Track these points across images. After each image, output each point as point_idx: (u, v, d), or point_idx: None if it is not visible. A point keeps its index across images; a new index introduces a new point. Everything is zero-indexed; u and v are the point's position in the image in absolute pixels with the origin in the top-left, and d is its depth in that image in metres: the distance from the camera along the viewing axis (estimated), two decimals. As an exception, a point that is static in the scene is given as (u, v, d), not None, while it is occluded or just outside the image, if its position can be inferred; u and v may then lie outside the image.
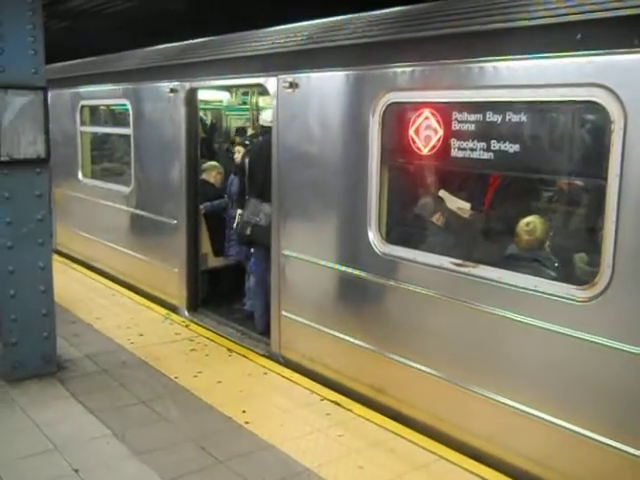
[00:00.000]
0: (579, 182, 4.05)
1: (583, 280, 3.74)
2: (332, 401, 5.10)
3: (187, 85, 6.88)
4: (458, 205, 5.00)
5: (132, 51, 8.42)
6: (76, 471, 3.99)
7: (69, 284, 8.41)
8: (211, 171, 7.63)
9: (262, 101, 9.11)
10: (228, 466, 4.11)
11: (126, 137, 8.25)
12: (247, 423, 4.68)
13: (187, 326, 6.92)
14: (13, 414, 4.77)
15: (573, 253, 4.04)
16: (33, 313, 5.34)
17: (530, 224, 4.20)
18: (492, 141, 4.10)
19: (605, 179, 3.52)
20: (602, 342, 3.57)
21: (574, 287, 3.71)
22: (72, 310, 7.29)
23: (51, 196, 5.43)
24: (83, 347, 6.16)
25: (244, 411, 4.86)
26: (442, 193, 5.01)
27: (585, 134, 3.88)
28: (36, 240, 5.29)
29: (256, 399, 5.12)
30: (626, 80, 3.41)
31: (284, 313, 5.86)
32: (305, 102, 5.44)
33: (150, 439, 4.43)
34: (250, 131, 6.74)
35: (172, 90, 7.09)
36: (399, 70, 4.63)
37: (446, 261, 4.45)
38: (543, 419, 3.87)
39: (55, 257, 9.99)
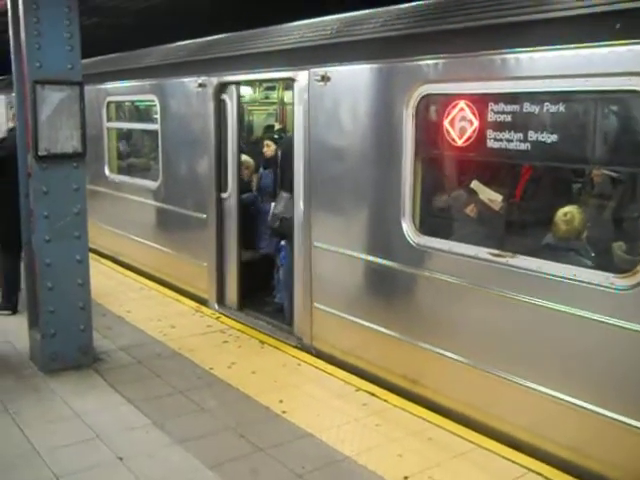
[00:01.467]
0: (617, 171, 4.04)
1: (623, 268, 3.75)
2: (367, 392, 5.13)
3: (215, 80, 6.93)
4: (490, 197, 5.02)
5: (159, 47, 8.48)
6: (120, 459, 4.06)
7: (98, 278, 8.45)
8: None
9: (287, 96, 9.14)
10: (269, 453, 4.17)
11: (154, 132, 8.32)
12: (284, 412, 4.73)
13: (218, 318, 6.99)
14: (54, 404, 4.85)
15: (612, 242, 4.04)
16: (70, 306, 5.42)
17: (568, 214, 4.21)
18: (529, 132, 4.11)
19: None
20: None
21: (613, 275, 3.72)
22: (103, 303, 7.38)
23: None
24: (116, 339, 6.24)
25: (281, 401, 4.92)
26: (474, 184, 5.03)
27: (622, 124, 3.88)
28: (73, 234, 5.37)
29: (291, 389, 5.17)
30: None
31: (316, 305, 5.91)
32: (337, 95, 5.47)
33: (190, 428, 4.50)
34: (277, 125, 6.78)
35: (200, 85, 7.15)
36: (432, 62, 4.65)
37: (483, 251, 4.46)
38: (582, 407, 3.88)
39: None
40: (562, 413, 4.02)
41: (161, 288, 8.13)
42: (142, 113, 9.28)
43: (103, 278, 8.60)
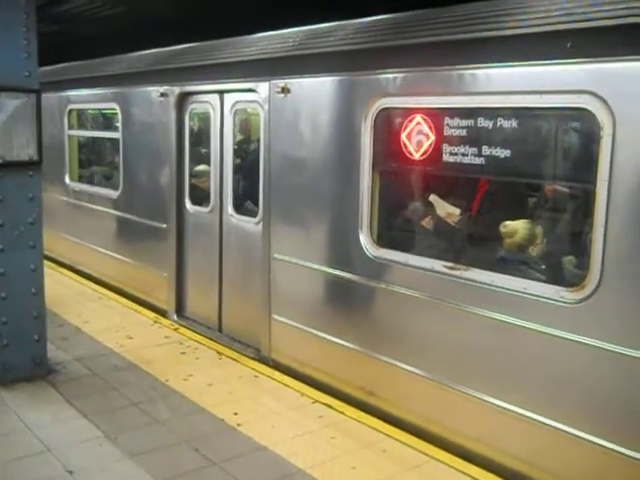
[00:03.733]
0: (568, 187, 4.13)
1: (573, 282, 3.82)
2: (324, 404, 5.13)
3: (177, 89, 6.91)
4: (448, 211, 5.07)
5: (122, 55, 8.43)
6: (70, 472, 3.99)
7: (56, 288, 8.36)
8: (201, 176, 7.64)
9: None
10: (222, 467, 4.13)
11: (115, 141, 8.25)
12: (239, 425, 4.71)
13: (176, 330, 6.93)
14: (5, 416, 4.75)
15: (562, 256, 4.12)
16: (24, 316, 5.33)
17: (508, 226, 4.32)
18: (483, 146, 4.18)
19: (594, 184, 3.61)
20: (592, 343, 3.64)
21: (563, 289, 3.79)
22: (60, 313, 7.27)
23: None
24: (72, 350, 6.14)
25: (236, 413, 4.89)
26: (433, 198, 5.08)
27: (574, 140, 3.97)
28: (27, 243, 5.29)
29: (247, 401, 5.15)
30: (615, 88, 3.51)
31: (274, 316, 5.90)
32: (297, 107, 5.50)
33: (143, 441, 4.44)
34: (239, 136, 6.78)
35: (162, 94, 7.12)
36: (390, 76, 4.70)
37: (438, 264, 4.51)
38: (532, 419, 3.94)
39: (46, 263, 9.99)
40: (513, 425, 4.07)
41: (121, 298, 8.03)
42: (104, 121, 9.19)
43: (61, 287, 8.48)
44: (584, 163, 3.83)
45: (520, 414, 4.00)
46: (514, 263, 4.30)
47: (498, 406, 4.12)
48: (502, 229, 4.35)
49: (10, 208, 5.16)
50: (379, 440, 4.57)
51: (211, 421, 4.78)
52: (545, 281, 3.99)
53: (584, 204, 3.82)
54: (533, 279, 4.02)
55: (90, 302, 7.87)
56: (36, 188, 5.30)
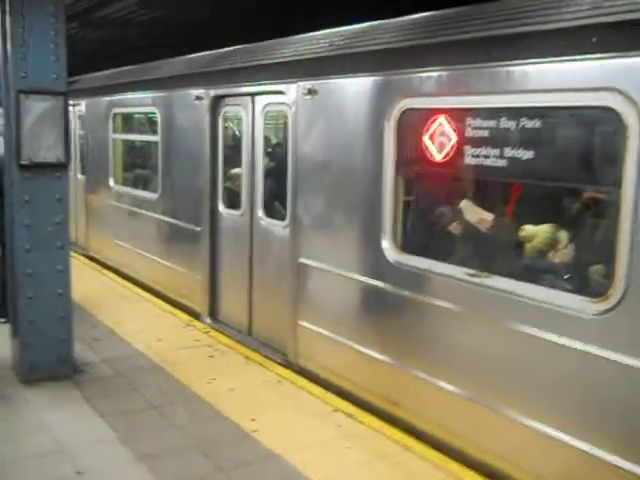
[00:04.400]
0: (594, 190, 3.89)
1: (598, 292, 3.59)
2: (345, 412, 5.01)
3: (211, 92, 6.91)
4: (481, 216, 4.88)
5: (160, 61, 8.53)
6: (78, 473, 3.99)
7: (97, 289, 8.52)
8: (235, 179, 7.63)
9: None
10: (229, 475, 4.06)
11: (155, 144, 8.34)
12: (254, 431, 4.63)
13: (207, 333, 6.92)
14: (25, 414, 4.81)
15: (588, 264, 3.88)
16: (50, 316, 5.39)
17: (526, 230, 4.11)
18: (506, 148, 3.99)
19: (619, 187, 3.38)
20: (614, 358, 3.41)
21: (586, 299, 3.56)
22: (96, 315, 7.37)
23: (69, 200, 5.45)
24: (101, 351, 6.20)
25: (253, 419, 4.81)
26: (465, 203, 4.89)
27: (600, 140, 3.74)
28: (55, 243, 5.35)
29: (267, 408, 5.06)
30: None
31: (300, 322, 5.80)
32: (323, 108, 5.40)
33: (155, 444, 4.41)
34: (274, 140, 6.73)
35: (197, 97, 7.14)
36: (413, 76, 4.55)
37: (460, 271, 4.33)
38: (554, 436, 3.71)
39: (87, 263, 10.20)
40: (533, 441, 3.85)
41: (158, 301, 8.09)
42: (145, 125, 9.31)
43: (102, 289, 8.61)
44: (609, 167, 3.60)
45: (542, 431, 3.78)
46: (536, 271, 4.08)
47: (517, 421, 3.91)
48: (521, 233, 4.14)
49: (37, 209, 5.23)
50: (395, 452, 4.41)
51: (227, 427, 4.72)
52: (568, 290, 3.76)
53: (610, 209, 3.58)
54: (554, 287, 3.80)
55: (127, 304, 7.95)
56: (63, 189, 5.36)
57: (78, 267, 9.80)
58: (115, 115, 9.52)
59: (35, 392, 5.18)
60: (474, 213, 4.91)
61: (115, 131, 9.61)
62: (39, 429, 4.57)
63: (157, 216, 8.38)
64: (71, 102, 11.02)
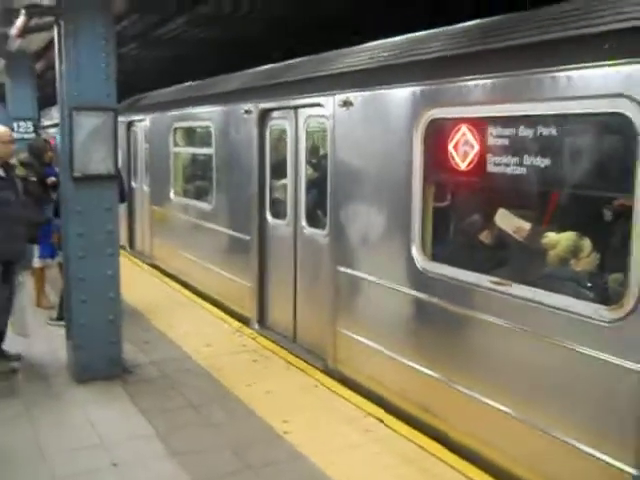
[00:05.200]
0: (611, 197, 3.87)
1: (612, 300, 3.58)
2: (376, 418, 5.09)
3: (259, 106, 7.17)
4: (518, 225, 4.89)
5: (215, 77, 8.88)
6: (114, 465, 4.25)
7: (154, 296, 8.90)
8: (282, 190, 7.84)
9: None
10: (257, 473, 4.23)
11: (209, 157, 8.68)
12: (286, 433, 4.78)
13: (255, 339, 7.13)
14: (73, 410, 5.14)
15: (606, 272, 3.86)
16: (101, 319, 5.72)
17: (548, 237, 4.10)
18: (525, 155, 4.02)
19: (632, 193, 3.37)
20: (628, 366, 3.39)
21: (602, 307, 3.55)
22: (150, 319, 7.72)
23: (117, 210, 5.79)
24: (151, 353, 6.51)
25: (285, 421, 4.97)
26: (501, 212, 4.91)
27: (613, 147, 3.73)
28: (105, 250, 5.69)
29: (300, 411, 5.20)
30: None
31: (339, 329, 5.93)
32: (357, 120, 5.54)
33: (190, 442, 4.63)
34: (311, 151, 6.92)
35: (247, 111, 7.41)
36: (438, 87, 4.64)
37: (484, 279, 4.37)
38: (571, 444, 3.70)
39: (149, 270, 10.64)
40: (549, 448, 3.85)
41: (212, 307, 8.37)
42: (202, 139, 9.67)
43: (158, 295, 8.99)
44: (627, 175, 3.58)
45: (560, 439, 3.77)
46: (561, 279, 4.08)
47: (536, 427, 3.91)
48: (543, 240, 4.14)
49: (89, 218, 5.58)
50: (422, 458, 4.47)
51: (259, 427, 4.89)
52: (585, 298, 3.75)
53: (625, 215, 3.56)
54: (573, 295, 3.79)
55: (181, 310, 8.28)
56: (112, 199, 5.69)
57: (140, 275, 10.29)
58: (175, 130, 9.94)
59: (85, 390, 5.51)
60: (510, 222, 4.93)
61: (175, 145, 10.03)
62: (84, 424, 4.88)
63: (211, 226, 8.69)
64: (137, 118, 11.60)
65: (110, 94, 5.55)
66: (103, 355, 5.75)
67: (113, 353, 5.81)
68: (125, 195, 8.18)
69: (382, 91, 5.26)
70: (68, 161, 5.48)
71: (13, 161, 6.71)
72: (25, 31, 6.19)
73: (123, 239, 12.52)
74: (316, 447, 4.58)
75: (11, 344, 6.14)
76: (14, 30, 6.39)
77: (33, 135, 9.86)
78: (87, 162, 5.50)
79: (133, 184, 12.14)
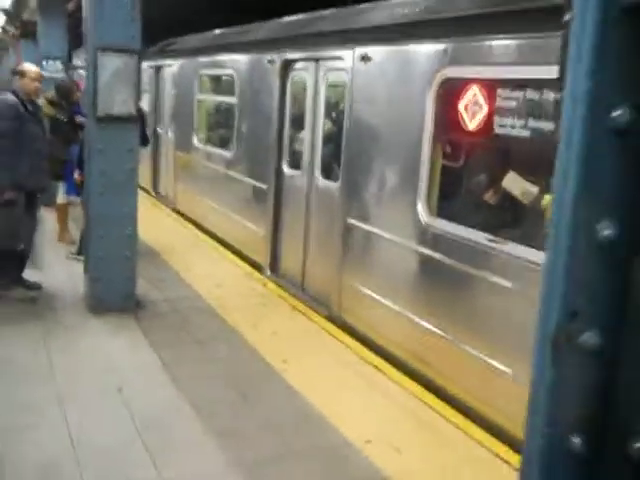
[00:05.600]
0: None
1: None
2: (372, 364, 5.31)
3: (282, 56, 7.26)
4: (525, 188, 4.99)
5: (241, 26, 8.95)
6: (119, 390, 4.54)
7: (173, 239, 9.16)
8: (298, 141, 7.97)
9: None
10: (252, 405, 4.49)
11: (231, 105, 8.81)
12: (283, 371, 5.04)
13: (265, 284, 7.37)
14: (86, 338, 5.45)
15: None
16: (117, 254, 5.97)
17: (545, 199, 4.22)
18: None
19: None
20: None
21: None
22: (167, 260, 8.00)
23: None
24: (165, 291, 6.79)
25: (284, 360, 5.22)
26: (511, 176, 5.00)
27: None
28: (125, 189, 5.91)
29: (299, 352, 5.45)
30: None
31: (345, 279, 6.13)
32: (374, 75, 5.63)
33: (192, 372, 4.91)
34: (329, 103, 7.02)
35: (270, 61, 7.51)
36: (453, 45, 4.71)
37: (481, 236, 4.52)
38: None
39: (171, 214, 10.91)
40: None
41: (228, 252, 8.62)
42: (226, 87, 9.79)
43: (177, 238, 9.25)
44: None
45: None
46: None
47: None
48: (543, 202, 4.26)
49: (110, 157, 5.79)
50: (413, 404, 4.68)
51: (259, 364, 5.16)
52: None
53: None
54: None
55: (198, 252, 8.54)
56: (133, 141, 5.89)
57: (161, 217, 10.56)
58: (201, 76, 10.07)
59: (99, 321, 5.81)
60: (518, 185, 5.04)
61: (200, 92, 10.17)
62: (94, 351, 5.18)
63: (231, 173, 8.89)
64: (166, 63, 11.72)
65: (134, 36, 5.70)
66: (118, 289, 6.02)
67: (127, 288, 6.08)
68: (147, 138, 8.36)
69: (399, 47, 5.34)
70: (92, 101, 5.67)
71: (40, 100, 6.93)
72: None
73: (147, 183, 12.80)
74: (310, 386, 4.83)
75: (32, 274, 6.45)
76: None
77: (62, 74, 10.04)
78: (110, 103, 5.68)
79: (159, 129, 12.33)
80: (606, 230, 0.94)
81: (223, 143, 9.50)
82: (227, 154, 9.00)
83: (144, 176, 12.93)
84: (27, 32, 11.84)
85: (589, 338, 1.03)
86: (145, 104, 12.75)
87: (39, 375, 4.70)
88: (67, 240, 8.20)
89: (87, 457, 3.74)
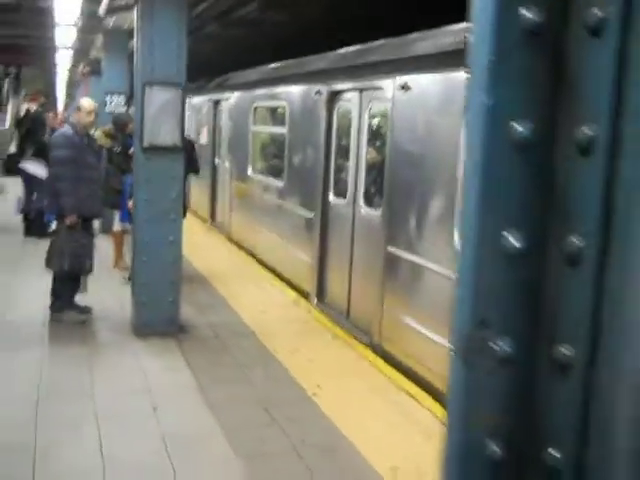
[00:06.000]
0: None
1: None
2: (408, 393, 5.26)
3: (329, 88, 7.42)
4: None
5: (293, 60, 9.19)
6: (154, 409, 4.67)
7: (224, 266, 9.39)
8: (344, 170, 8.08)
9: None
10: (280, 425, 4.53)
11: (283, 135, 9.02)
12: (314, 395, 5.06)
13: (309, 312, 7.44)
14: (129, 360, 5.63)
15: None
16: (162, 280, 6.17)
17: None
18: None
19: None
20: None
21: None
22: (215, 286, 8.19)
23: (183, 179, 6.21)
24: (210, 316, 6.95)
25: (319, 385, 5.24)
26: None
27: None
28: (169, 216, 6.13)
29: (334, 378, 5.46)
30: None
31: (386, 307, 6.12)
32: (414, 103, 5.69)
33: (227, 395, 5.01)
34: (372, 132, 7.13)
35: (317, 92, 7.68)
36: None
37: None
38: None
39: (227, 244, 11.17)
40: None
41: (275, 279, 8.75)
42: (278, 118, 10.03)
43: (228, 266, 9.46)
44: None
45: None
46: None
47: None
48: None
49: (155, 186, 6.03)
50: (433, 423, 4.62)
51: (293, 388, 5.20)
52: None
53: None
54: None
55: (247, 280, 8.69)
56: (178, 170, 6.12)
57: (214, 247, 10.83)
58: (255, 109, 10.36)
59: (142, 344, 6.00)
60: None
61: (254, 123, 10.45)
62: (135, 372, 5.36)
63: (281, 202, 9.06)
64: (223, 96, 12.12)
65: (180, 71, 5.96)
66: (162, 313, 6.21)
67: (171, 312, 6.26)
68: (198, 167, 8.62)
69: (438, 75, 5.40)
70: (139, 133, 5.94)
71: (97, 132, 7.31)
72: (110, 10, 6.69)
73: (205, 213, 13.16)
74: (339, 410, 4.83)
75: (84, 299, 6.73)
76: (101, 8, 6.92)
77: (124, 108, 10.51)
78: (155, 134, 5.94)
79: (217, 160, 12.70)
80: (511, 239, 0.97)
81: (275, 173, 9.70)
82: (279, 184, 9.19)
83: (202, 206, 13.35)
84: (94, 69, 12.50)
85: (500, 346, 1.05)
86: (204, 137, 13.21)
87: (80, 393, 4.89)
88: (121, 266, 8.50)
89: (114, 472, 3.86)
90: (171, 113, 5.96)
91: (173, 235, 6.19)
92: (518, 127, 0.95)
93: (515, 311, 1.00)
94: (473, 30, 0.95)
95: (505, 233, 0.96)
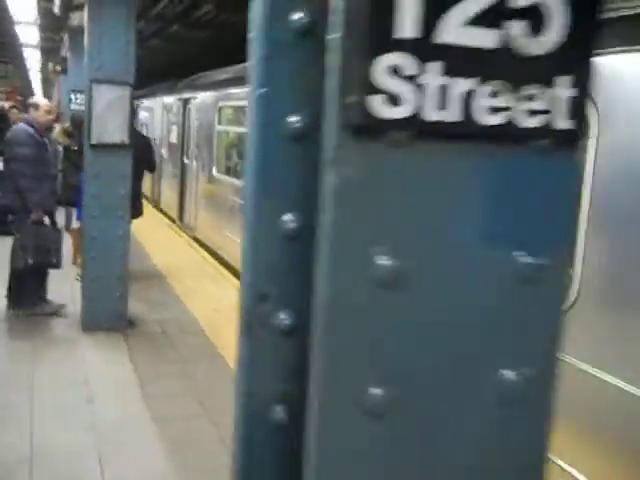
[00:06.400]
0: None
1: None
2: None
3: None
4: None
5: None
6: (89, 402, 4.75)
7: (183, 264, 9.43)
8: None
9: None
10: (211, 418, 4.62)
11: (244, 135, 9.11)
12: (252, 390, 5.15)
13: (263, 309, 7.51)
14: (73, 354, 5.70)
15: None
16: (109, 275, 6.24)
17: None
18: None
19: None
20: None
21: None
22: (171, 283, 8.26)
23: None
24: (160, 313, 7.01)
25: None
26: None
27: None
28: (117, 213, 6.20)
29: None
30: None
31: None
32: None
33: (164, 389, 5.09)
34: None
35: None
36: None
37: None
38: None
39: (189, 241, 11.24)
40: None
41: (234, 279, 8.81)
42: (240, 118, 10.12)
43: (188, 264, 9.51)
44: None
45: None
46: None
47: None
48: None
49: (104, 183, 6.10)
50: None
51: (232, 382, 5.27)
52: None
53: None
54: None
55: (204, 278, 8.76)
56: (126, 167, 6.18)
57: (177, 246, 10.89)
58: (220, 108, 10.45)
59: (89, 338, 6.06)
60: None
61: (219, 123, 10.53)
62: (77, 365, 5.42)
63: (240, 201, 9.15)
64: (191, 96, 12.20)
65: (127, 70, 6.03)
66: (110, 308, 6.27)
67: (119, 307, 6.33)
68: (154, 165, 8.66)
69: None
70: (87, 130, 6.01)
71: (55, 130, 7.36)
72: (65, 9, 6.76)
73: (174, 213, 13.23)
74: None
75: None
76: (55, 6, 6.99)
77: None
78: (103, 131, 6.01)
79: (185, 160, 12.77)
80: (290, 222, 1.08)
81: (236, 173, 9.80)
82: (239, 183, 9.28)
83: (170, 206, 13.42)
84: (64, 68, 12.52)
85: (280, 320, 1.17)
86: (173, 136, 13.29)
87: (18, 386, 4.95)
88: (80, 263, 8.53)
89: (41, 462, 3.94)
90: (119, 111, 6.03)
91: (121, 231, 6.26)
92: (292, 118, 1.06)
93: (294, 287, 1.11)
94: (250, 30, 1.06)
95: (284, 216, 1.07)
